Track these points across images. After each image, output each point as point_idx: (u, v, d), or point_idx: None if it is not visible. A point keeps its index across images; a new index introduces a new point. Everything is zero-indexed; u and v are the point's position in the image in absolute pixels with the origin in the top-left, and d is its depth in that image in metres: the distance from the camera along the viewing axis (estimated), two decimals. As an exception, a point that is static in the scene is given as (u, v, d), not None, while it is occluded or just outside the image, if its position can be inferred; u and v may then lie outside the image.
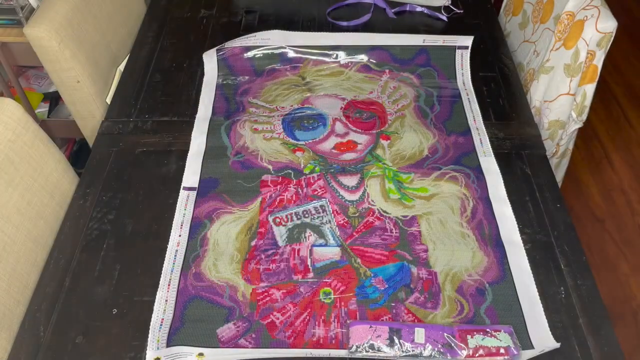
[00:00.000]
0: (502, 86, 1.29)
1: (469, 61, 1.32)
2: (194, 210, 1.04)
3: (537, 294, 0.92)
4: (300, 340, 0.87)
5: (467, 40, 1.34)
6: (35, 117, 1.78)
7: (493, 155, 1.13)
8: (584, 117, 1.25)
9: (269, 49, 1.32)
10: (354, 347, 0.84)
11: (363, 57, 1.32)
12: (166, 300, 0.92)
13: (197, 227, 1.02)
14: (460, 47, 1.33)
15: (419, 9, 1.49)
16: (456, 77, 1.30)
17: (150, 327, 0.89)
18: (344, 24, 1.46)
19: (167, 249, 0.98)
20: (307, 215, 1.03)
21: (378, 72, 1.30)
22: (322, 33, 1.38)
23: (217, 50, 1.33)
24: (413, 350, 0.83)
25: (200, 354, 0.85)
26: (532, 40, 1.38)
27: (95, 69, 1.30)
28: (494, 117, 1.22)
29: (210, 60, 1.33)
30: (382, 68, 1.31)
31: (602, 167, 1.89)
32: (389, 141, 1.16)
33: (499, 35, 1.43)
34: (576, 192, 1.85)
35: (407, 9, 1.50)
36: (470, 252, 0.97)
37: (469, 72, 1.30)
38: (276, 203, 1.05)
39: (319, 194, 1.07)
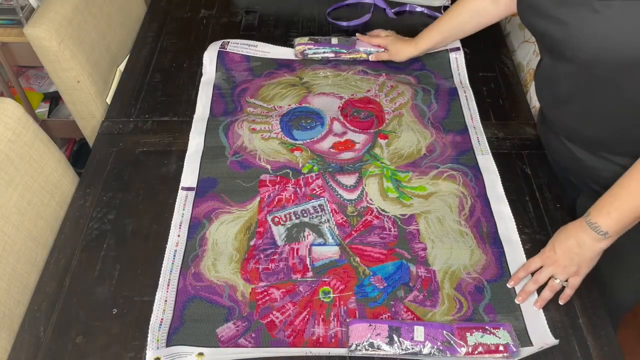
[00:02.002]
0: (502, 86, 1.29)
1: (464, 61, 1.32)
2: (192, 210, 1.04)
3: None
4: (300, 339, 0.87)
5: (456, 42, 1.35)
6: (35, 117, 1.79)
7: (490, 154, 1.13)
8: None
9: (267, 61, 1.34)
10: (354, 346, 0.84)
11: (358, 67, 1.33)
12: (166, 300, 0.92)
13: (196, 227, 1.02)
14: (452, 50, 1.34)
15: (419, 9, 1.49)
16: (453, 77, 1.30)
17: (150, 326, 0.89)
18: (344, 24, 1.46)
19: (166, 249, 0.99)
20: (305, 215, 1.03)
21: (375, 75, 1.30)
22: None
23: (221, 44, 1.35)
24: (412, 348, 0.83)
25: (200, 354, 0.85)
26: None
27: (95, 69, 1.30)
28: (493, 117, 1.22)
29: (209, 61, 1.33)
30: (378, 72, 1.31)
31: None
32: (386, 140, 1.16)
33: (499, 35, 1.43)
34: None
35: (407, 9, 1.50)
36: (468, 250, 0.98)
37: (465, 71, 1.30)
38: (275, 202, 1.05)
39: (318, 193, 1.07)
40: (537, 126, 1.17)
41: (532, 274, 0.93)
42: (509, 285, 0.93)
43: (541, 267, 0.92)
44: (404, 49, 1.28)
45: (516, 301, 0.91)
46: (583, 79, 0.86)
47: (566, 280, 0.91)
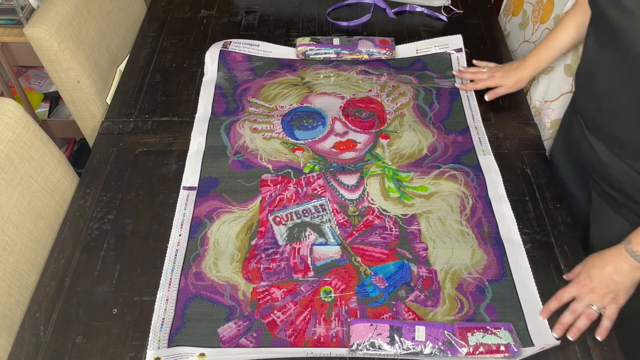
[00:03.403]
0: (502, 86, 1.29)
1: (465, 62, 1.32)
2: (194, 210, 1.04)
3: (537, 291, 0.92)
4: (301, 339, 0.87)
5: (457, 41, 1.35)
6: (35, 117, 1.79)
7: (492, 154, 1.13)
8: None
9: (269, 60, 1.34)
10: (355, 346, 0.84)
11: (359, 66, 1.33)
12: (167, 300, 0.92)
13: (197, 227, 1.02)
14: (453, 50, 1.34)
15: (419, 9, 1.49)
16: (454, 77, 1.30)
17: (152, 326, 0.89)
18: (344, 24, 1.46)
19: (168, 249, 0.98)
20: (307, 214, 1.03)
21: (377, 75, 1.30)
22: None
23: (222, 44, 1.35)
24: (414, 348, 0.83)
25: (202, 354, 0.85)
26: (532, 40, 1.38)
27: (95, 69, 1.30)
28: (494, 117, 1.22)
29: (211, 60, 1.33)
30: (380, 72, 1.31)
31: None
32: (388, 140, 1.16)
33: (499, 35, 1.43)
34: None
35: (407, 9, 1.50)
36: (469, 250, 0.98)
37: None
38: (276, 202, 1.05)
39: (319, 192, 1.07)
40: (565, 112, 1.15)
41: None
42: (541, 318, 0.89)
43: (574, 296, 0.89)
44: (521, 77, 1.20)
45: (554, 334, 0.87)
46: (625, 74, 0.84)
47: (603, 307, 0.88)
